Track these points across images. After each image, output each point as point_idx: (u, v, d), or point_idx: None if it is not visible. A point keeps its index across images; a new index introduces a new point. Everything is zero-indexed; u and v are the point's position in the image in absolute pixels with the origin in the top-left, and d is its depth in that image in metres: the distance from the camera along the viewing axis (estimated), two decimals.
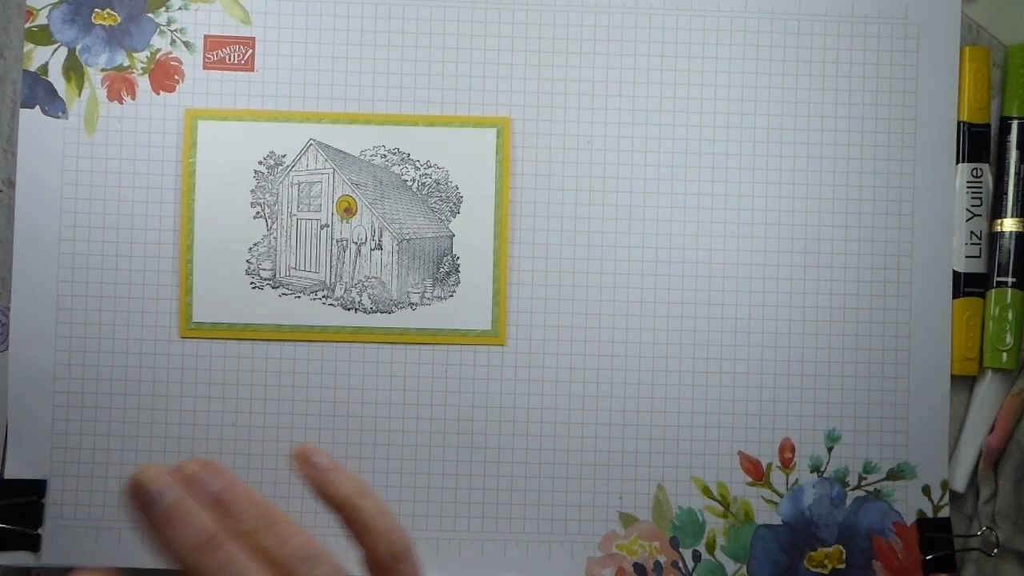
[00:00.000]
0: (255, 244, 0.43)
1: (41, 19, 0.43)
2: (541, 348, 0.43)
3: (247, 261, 0.43)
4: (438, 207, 0.43)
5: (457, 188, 0.43)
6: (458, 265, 0.43)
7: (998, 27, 0.45)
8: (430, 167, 0.43)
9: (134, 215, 0.43)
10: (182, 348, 0.43)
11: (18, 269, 0.42)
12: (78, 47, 0.43)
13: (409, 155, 0.43)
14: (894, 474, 0.44)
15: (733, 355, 0.44)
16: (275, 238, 0.43)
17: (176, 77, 0.43)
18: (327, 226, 0.43)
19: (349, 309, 0.43)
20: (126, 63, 0.43)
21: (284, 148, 0.43)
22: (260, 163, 0.43)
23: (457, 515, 0.43)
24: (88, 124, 0.43)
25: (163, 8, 0.43)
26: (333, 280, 0.43)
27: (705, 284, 0.44)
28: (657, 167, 0.44)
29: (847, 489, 0.44)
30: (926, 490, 0.44)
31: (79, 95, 0.43)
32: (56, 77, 0.43)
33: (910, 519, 0.44)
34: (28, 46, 0.43)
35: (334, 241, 0.43)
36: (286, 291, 0.43)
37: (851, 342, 0.44)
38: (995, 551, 0.44)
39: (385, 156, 0.43)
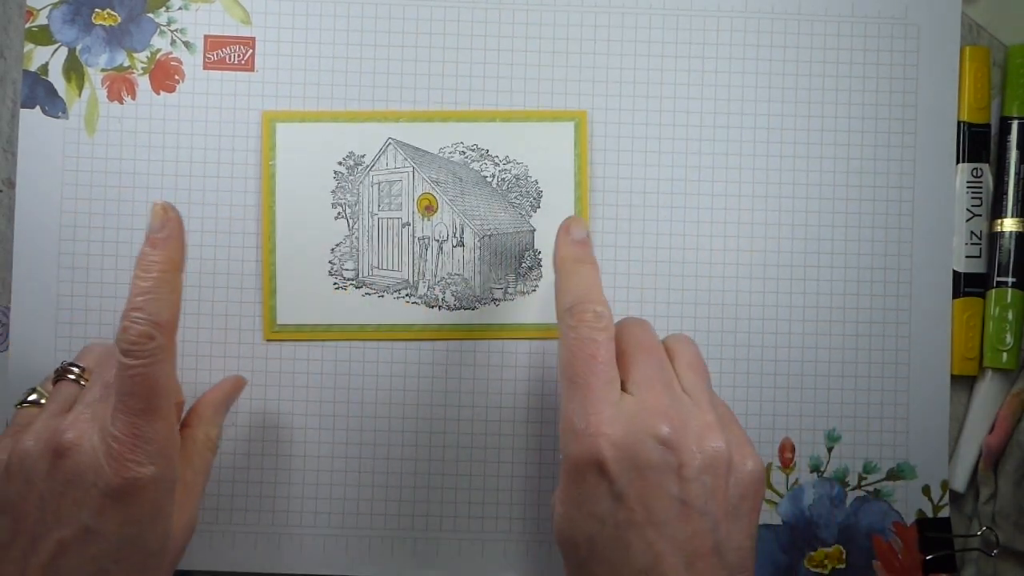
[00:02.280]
0: (337, 245, 0.43)
1: (41, 19, 0.43)
2: None
3: (329, 262, 0.43)
4: (518, 202, 0.43)
5: (537, 183, 0.43)
6: (540, 259, 0.43)
7: (998, 27, 0.45)
8: (509, 162, 0.43)
9: (135, 214, 0.43)
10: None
11: (18, 269, 0.42)
12: (78, 47, 0.43)
13: (488, 151, 0.43)
14: (894, 474, 0.44)
15: (733, 355, 0.44)
16: (357, 238, 0.43)
17: (176, 77, 0.43)
18: (408, 224, 0.43)
19: (432, 307, 0.43)
20: (126, 63, 0.43)
21: (363, 148, 0.43)
22: (340, 163, 0.43)
23: (457, 515, 0.43)
24: (88, 124, 0.43)
25: (163, 8, 0.43)
26: (416, 278, 0.43)
27: (705, 284, 0.44)
28: (657, 167, 0.44)
29: (847, 489, 0.44)
30: (926, 490, 0.44)
31: (79, 95, 0.43)
32: (56, 77, 0.43)
33: (910, 519, 0.44)
34: (28, 46, 0.43)
35: (416, 239, 0.43)
36: (369, 291, 0.43)
37: (851, 342, 0.44)
38: (995, 551, 0.44)
39: (464, 153, 0.43)
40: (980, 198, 0.45)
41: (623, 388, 0.34)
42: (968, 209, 0.45)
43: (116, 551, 0.32)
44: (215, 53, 0.43)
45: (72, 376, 0.36)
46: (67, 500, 0.32)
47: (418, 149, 0.43)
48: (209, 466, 0.37)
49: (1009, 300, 0.44)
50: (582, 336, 0.33)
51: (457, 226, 0.43)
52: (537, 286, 0.43)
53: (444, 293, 0.43)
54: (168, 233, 0.34)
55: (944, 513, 0.44)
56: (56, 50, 0.43)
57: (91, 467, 0.32)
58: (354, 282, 0.43)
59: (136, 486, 0.32)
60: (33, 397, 0.36)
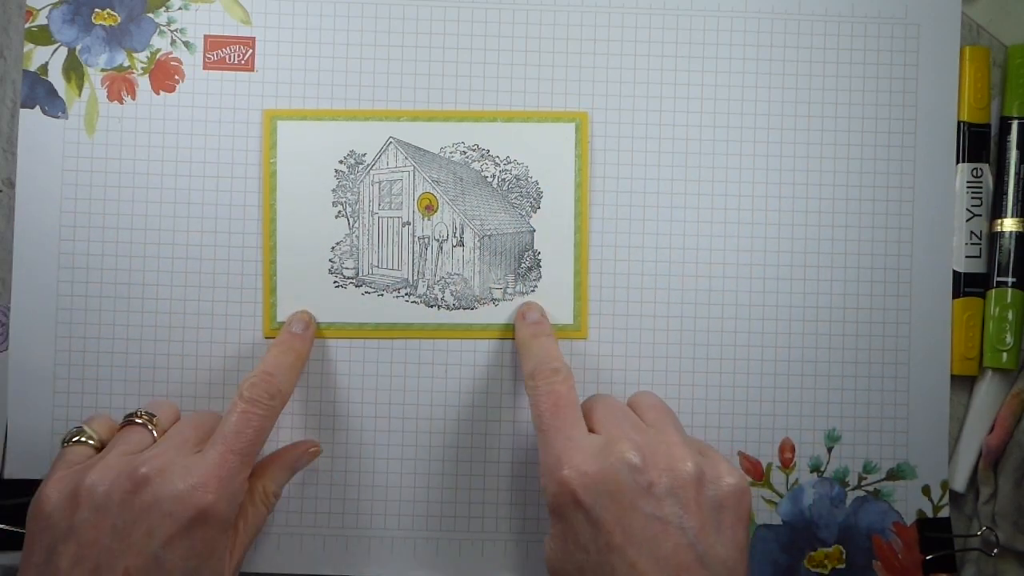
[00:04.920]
0: (337, 243, 0.43)
1: (41, 19, 0.43)
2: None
3: (330, 261, 0.43)
4: (518, 202, 0.43)
5: (537, 183, 0.43)
6: (539, 260, 0.43)
7: (998, 27, 0.45)
8: (510, 163, 0.43)
9: (135, 214, 0.43)
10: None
11: (18, 269, 0.42)
12: (78, 47, 0.43)
13: (488, 151, 0.43)
14: (894, 474, 0.44)
15: (733, 355, 0.44)
16: (357, 237, 0.43)
17: (176, 77, 0.43)
18: (408, 224, 0.43)
19: (432, 306, 0.43)
20: (126, 63, 0.43)
21: (364, 147, 0.43)
22: (341, 162, 0.43)
23: (457, 515, 0.43)
24: (88, 124, 0.43)
25: (163, 8, 0.43)
26: (415, 278, 0.43)
27: (705, 284, 0.44)
28: (657, 167, 0.44)
29: (847, 489, 0.44)
30: (926, 490, 0.44)
31: (79, 95, 0.43)
32: (56, 77, 0.43)
33: (910, 519, 0.44)
34: (28, 46, 0.43)
35: (416, 239, 0.43)
36: (369, 289, 0.43)
37: (851, 342, 0.44)
38: (995, 551, 0.44)
39: (464, 152, 0.43)
40: (980, 198, 0.45)
41: (590, 431, 0.36)
42: (968, 209, 0.45)
43: None
44: (215, 53, 0.43)
45: (140, 421, 0.38)
46: (140, 529, 0.33)
47: (419, 148, 0.43)
48: (262, 521, 0.38)
49: (1009, 300, 0.44)
50: (544, 391, 0.37)
51: (457, 226, 0.43)
52: (536, 286, 0.43)
53: (444, 293, 0.43)
54: (308, 335, 0.41)
55: (944, 513, 0.44)
56: (56, 50, 0.43)
57: (169, 497, 0.34)
58: (354, 281, 0.43)
59: (205, 516, 0.34)
60: (83, 438, 0.38)
